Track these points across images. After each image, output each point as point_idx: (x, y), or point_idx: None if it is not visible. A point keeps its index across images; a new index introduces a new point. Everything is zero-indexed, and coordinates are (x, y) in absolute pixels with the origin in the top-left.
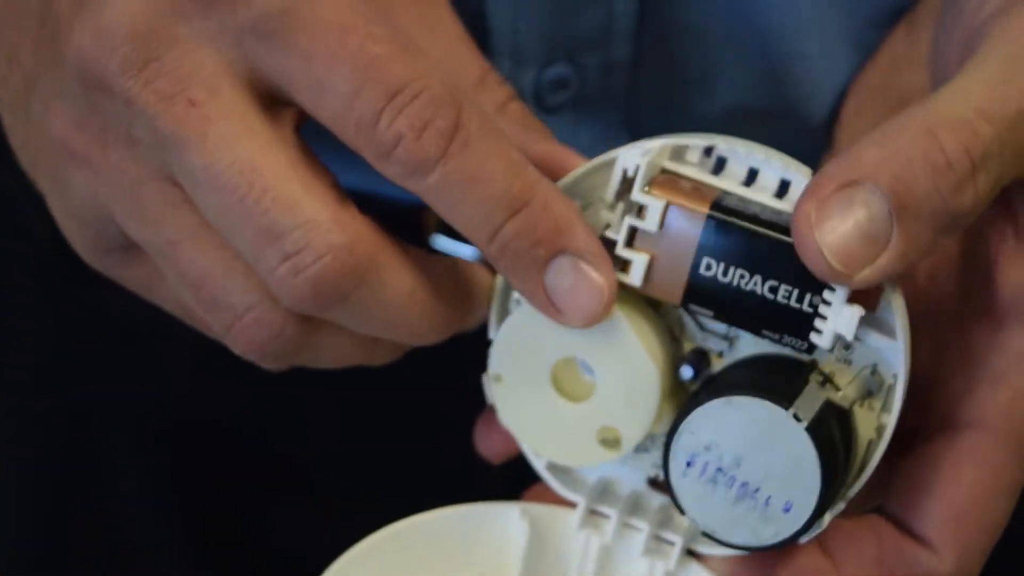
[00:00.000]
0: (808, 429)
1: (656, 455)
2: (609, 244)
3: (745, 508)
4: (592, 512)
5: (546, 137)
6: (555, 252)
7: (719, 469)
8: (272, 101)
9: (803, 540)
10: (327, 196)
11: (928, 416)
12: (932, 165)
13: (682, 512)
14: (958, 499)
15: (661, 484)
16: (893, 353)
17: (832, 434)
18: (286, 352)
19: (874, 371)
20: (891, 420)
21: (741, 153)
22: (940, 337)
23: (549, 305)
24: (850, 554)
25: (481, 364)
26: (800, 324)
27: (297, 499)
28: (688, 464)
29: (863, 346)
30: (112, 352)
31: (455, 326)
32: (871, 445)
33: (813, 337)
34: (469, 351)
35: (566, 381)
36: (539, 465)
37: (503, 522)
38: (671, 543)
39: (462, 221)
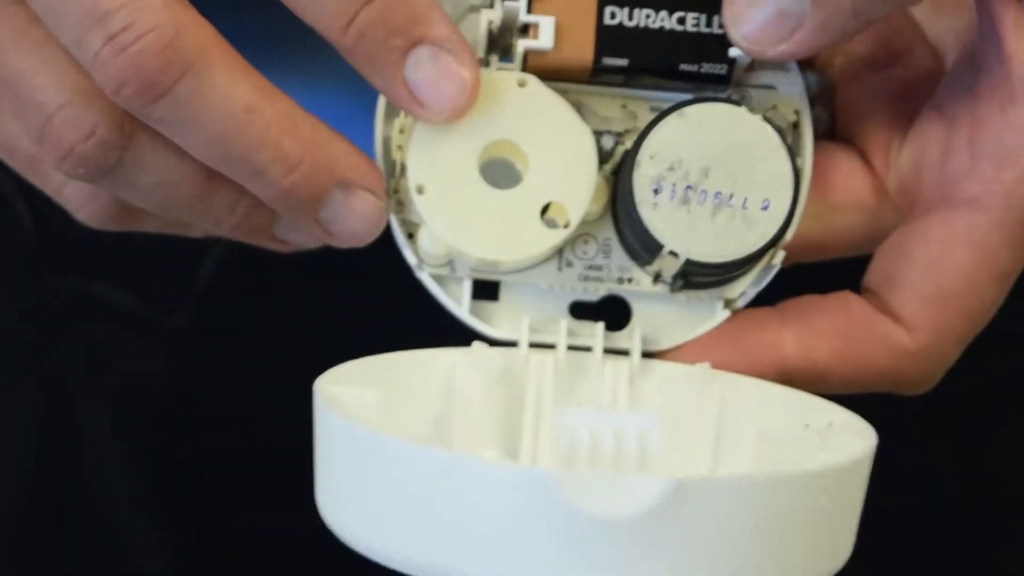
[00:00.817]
0: (765, 118)
1: (580, 268)
2: (512, 14)
3: (725, 218)
4: (533, 346)
5: None
6: (413, 42)
7: (688, 187)
8: None
9: (787, 234)
10: None
11: (925, 193)
12: None
13: (661, 247)
14: (943, 278)
15: (587, 308)
16: (790, 86)
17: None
18: (103, 163)
19: (776, 111)
20: (806, 160)
21: None
22: (952, 110)
23: (411, 100)
24: (812, 324)
25: None
26: (716, 46)
27: (279, 480)
28: (656, 192)
29: (759, 92)
30: (91, 335)
31: (314, 180)
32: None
33: (732, 52)
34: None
35: (494, 172)
36: (462, 312)
37: (452, 364)
38: (624, 351)
39: (313, 13)
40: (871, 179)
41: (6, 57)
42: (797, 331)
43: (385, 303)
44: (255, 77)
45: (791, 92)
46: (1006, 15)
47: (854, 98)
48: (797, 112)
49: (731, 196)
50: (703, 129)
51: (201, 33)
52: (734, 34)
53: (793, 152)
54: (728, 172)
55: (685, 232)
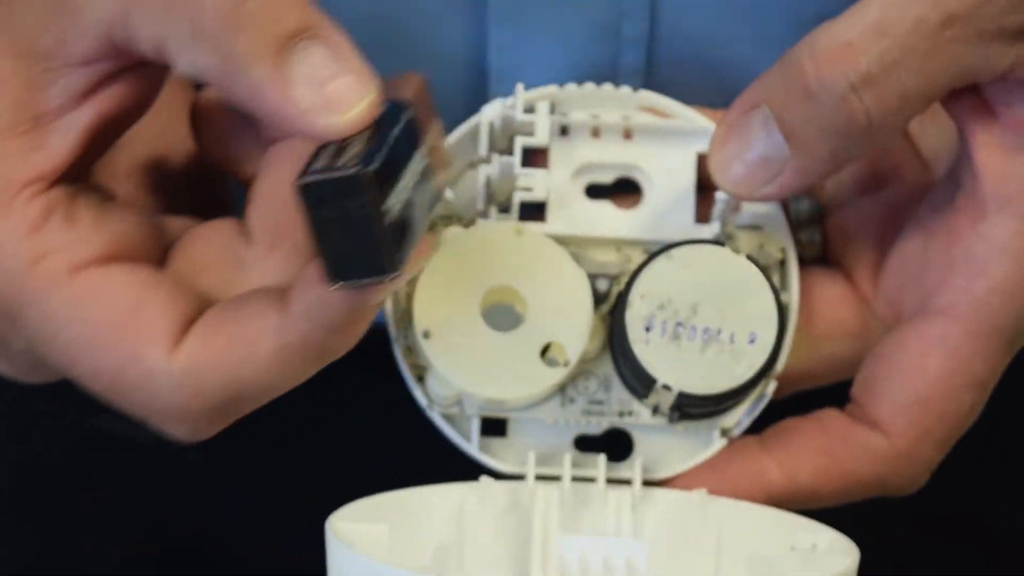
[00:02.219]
0: (750, 257)
1: (582, 403)
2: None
3: (714, 353)
4: (539, 478)
5: None
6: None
7: (678, 324)
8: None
9: (777, 367)
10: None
11: (906, 306)
12: (803, 90)
13: (655, 382)
14: (919, 385)
15: (589, 440)
16: (775, 226)
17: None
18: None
19: (762, 250)
20: (792, 296)
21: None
22: (931, 226)
23: (292, 101)
24: (793, 447)
25: None
26: None
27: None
28: (648, 329)
29: (746, 233)
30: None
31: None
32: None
33: (719, 195)
34: None
35: (496, 316)
36: (472, 448)
37: (461, 499)
38: (627, 481)
39: None
40: (858, 305)
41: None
42: (779, 456)
43: (395, 438)
44: None
45: (777, 231)
46: (976, 132)
47: (843, 222)
48: (783, 250)
49: (719, 331)
50: (690, 269)
51: None
52: (721, 180)
53: (776, 288)
54: (716, 309)
55: (677, 367)
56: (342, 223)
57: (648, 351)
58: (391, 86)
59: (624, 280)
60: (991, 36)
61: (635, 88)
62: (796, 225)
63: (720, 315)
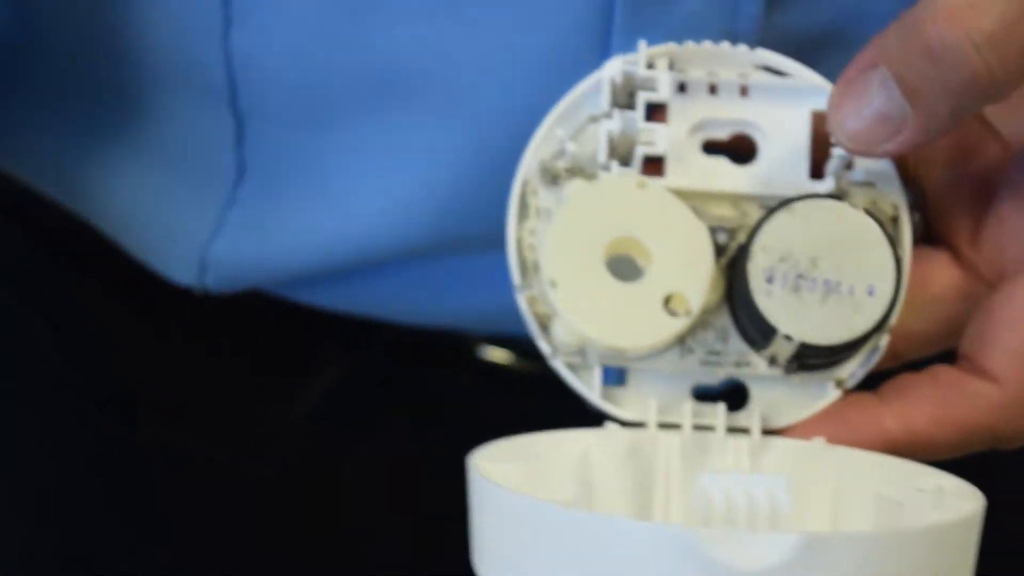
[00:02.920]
0: (867, 211)
1: (700, 354)
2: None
3: (834, 304)
4: (661, 426)
5: None
6: None
7: (799, 276)
8: None
9: (892, 320)
10: None
11: (1008, 263)
12: (925, 50)
13: (776, 332)
14: None
15: (707, 391)
16: (888, 183)
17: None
18: None
19: (875, 206)
20: (905, 252)
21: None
22: (1021, 187)
23: None
24: (909, 398)
25: None
26: None
27: None
28: (769, 281)
29: (859, 189)
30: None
31: None
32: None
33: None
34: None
35: (618, 267)
36: (594, 396)
37: (587, 443)
38: (745, 429)
39: None
40: (963, 270)
41: None
42: (895, 406)
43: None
44: None
45: (890, 188)
46: None
47: (939, 200)
48: (895, 207)
49: (839, 283)
50: (810, 223)
51: None
52: (840, 136)
53: (894, 241)
54: (835, 261)
55: (798, 317)
56: None
57: (770, 302)
58: None
59: (742, 235)
60: None
61: (751, 47)
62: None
63: (839, 268)
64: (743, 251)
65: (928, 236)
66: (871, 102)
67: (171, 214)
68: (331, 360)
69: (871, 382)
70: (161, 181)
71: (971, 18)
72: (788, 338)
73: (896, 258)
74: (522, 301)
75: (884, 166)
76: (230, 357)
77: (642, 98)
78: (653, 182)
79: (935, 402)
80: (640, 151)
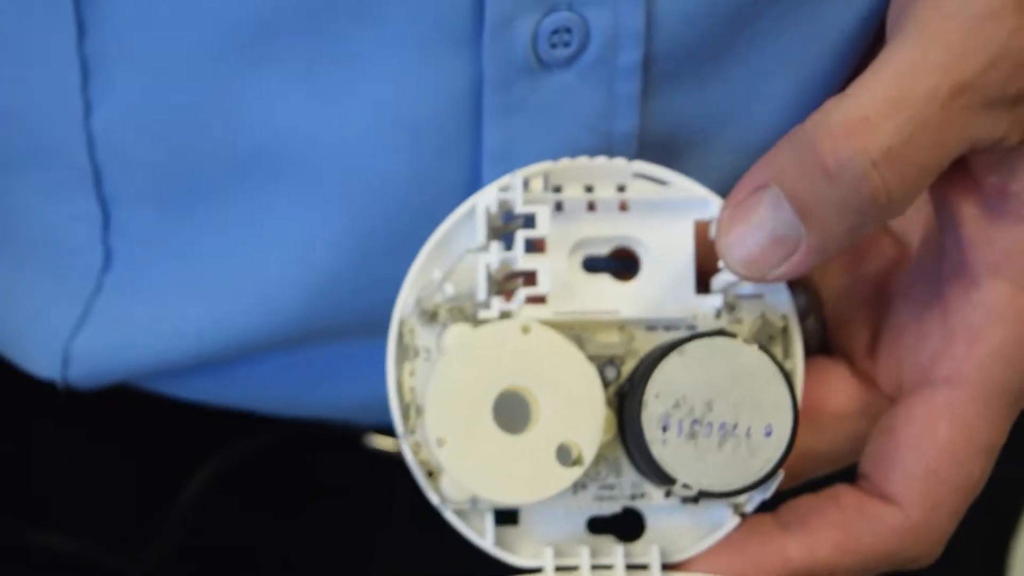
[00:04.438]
0: (761, 347)
1: (594, 489)
2: (514, 276)
3: (731, 448)
4: (558, 569)
5: None
6: None
7: (695, 421)
8: None
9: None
10: None
11: (906, 377)
12: (820, 169)
13: (674, 481)
14: (929, 455)
15: (603, 522)
16: (775, 294)
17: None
18: None
19: (764, 319)
20: (796, 363)
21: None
22: (920, 296)
23: None
24: (810, 524)
25: None
26: None
27: None
28: (664, 429)
29: (748, 302)
30: None
31: None
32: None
33: (726, 277)
34: None
35: (506, 414)
36: (487, 544)
37: None
38: (645, 566)
39: None
40: (861, 384)
41: None
42: (798, 535)
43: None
44: None
45: (778, 299)
46: (958, 202)
47: (836, 305)
48: (785, 318)
49: (735, 426)
50: (703, 364)
51: None
52: (731, 261)
53: (790, 378)
54: (731, 403)
55: (695, 465)
56: None
57: (666, 451)
58: None
59: (630, 361)
60: (995, 104)
61: (629, 158)
62: (797, 318)
63: (735, 409)
64: (633, 389)
65: (825, 343)
66: (763, 224)
67: (33, 304)
68: (212, 451)
69: (770, 500)
70: (22, 271)
71: (868, 134)
72: (687, 487)
73: (793, 396)
74: (406, 449)
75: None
76: (104, 453)
77: (520, 237)
78: (537, 325)
79: (838, 529)
80: (522, 294)
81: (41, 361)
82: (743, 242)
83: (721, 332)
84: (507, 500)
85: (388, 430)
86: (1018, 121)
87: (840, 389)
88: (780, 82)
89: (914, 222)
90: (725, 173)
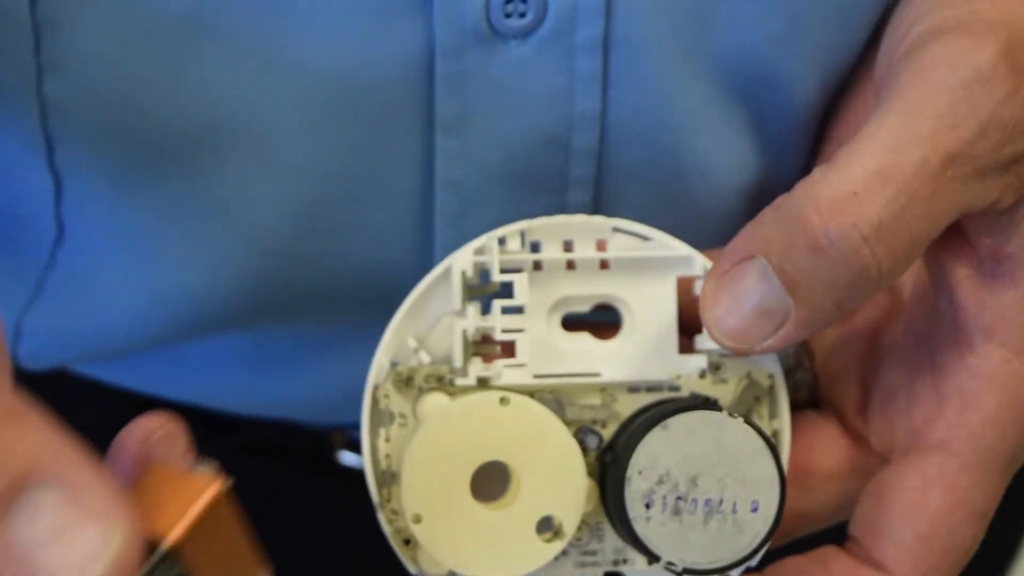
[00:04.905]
0: (747, 420)
1: (575, 555)
2: (488, 342)
3: (717, 525)
4: None
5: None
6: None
7: (679, 498)
8: None
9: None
10: None
11: (898, 439)
12: (810, 244)
13: (658, 559)
14: (920, 523)
15: None
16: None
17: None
18: None
19: (750, 378)
20: (783, 423)
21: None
22: (913, 359)
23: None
24: None
25: None
26: None
27: None
28: (648, 506)
29: (732, 361)
30: None
31: None
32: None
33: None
34: None
35: (484, 487)
36: None
37: None
38: None
39: None
40: (852, 443)
41: None
42: None
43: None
44: None
45: (764, 358)
46: (952, 265)
47: (826, 359)
48: (771, 377)
49: (720, 502)
50: (687, 439)
51: None
52: (717, 334)
53: (777, 452)
54: (716, 478)
55: (680, 543)
56: None
57: (649, 529)
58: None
59: (611, 424)
60: (986, 171)
61: (608, 215)
62: (785, 371)
63: (720, 484)
64: (616, 463)
65: (815, 395)
66: (749, 297)
67: None
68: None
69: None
70: None
71: (857, 209)
72: (672, 564)
73: (780, 471)
74: (382, 519)
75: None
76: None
77: (498, 306)
78: (515, 396)
79: None
80: (500, 365)
81: None
82: (730, 314)
83: (706, 403)
84: (486, 575)
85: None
86: (1009, 184)
87: (830, 448)
88: None
89: (907, 276)
90: None
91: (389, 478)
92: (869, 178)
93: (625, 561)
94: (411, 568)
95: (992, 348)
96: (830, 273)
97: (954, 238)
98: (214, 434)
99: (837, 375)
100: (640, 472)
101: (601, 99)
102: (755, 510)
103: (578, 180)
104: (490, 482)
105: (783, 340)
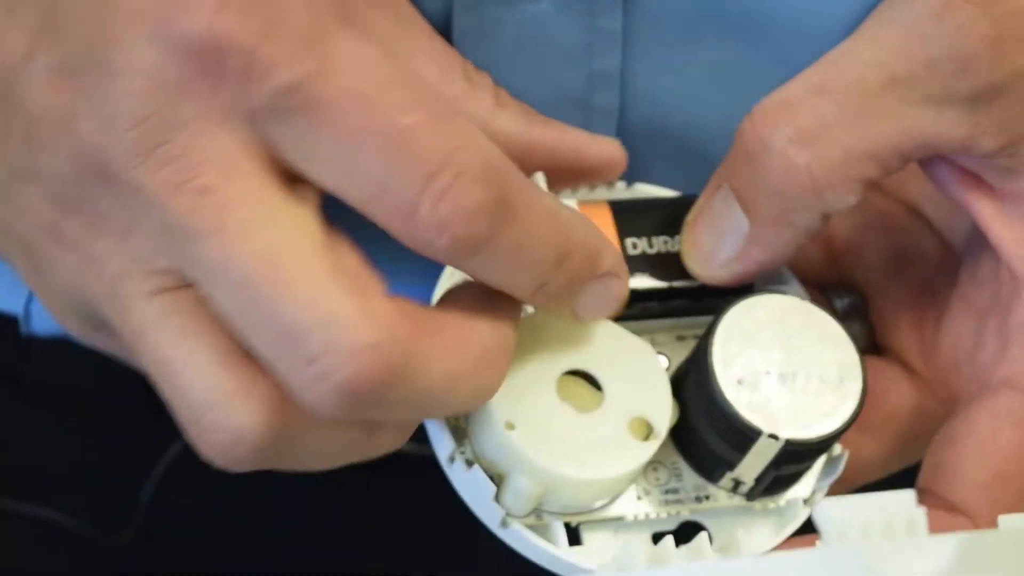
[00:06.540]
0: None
1: (657, 494)
2: None
3: (810, 397)
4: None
5: (547, 122)
6: (589, 280)
7: (767, 372)
8: (292, 180)
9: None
10: (353, 284)
11: (964, 383)
12: (745, 155)
13: (758, 435)
14: (994, 462)
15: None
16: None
17: None
18: (255, 461)
19: None
20: None
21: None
22: (976, 303)
23: (572, 318)
24: None
25: None
26: None
27: None
28: (739, 383)
29: None
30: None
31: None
32: None
33: None
34: None
35: (573, 400)
36: (562, 551)
37: None
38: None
39: (508, 284)
40: (915, 385)
41: (150, 344)
42: None
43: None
44: (456, 329)
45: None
46: (981, 211)
47: (882, 308)
48: None
49: (808, 377)
50: (771, 319)
51: (403, 335)
52: (691, 265)
53: (856, 337)
54: (799, 356)
55: (775, 415)
56: None
57: (744, 406)
58: None
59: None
60: (939, 101)
61: (627, 176)
62: (841, 320)
63: (805, 361)
64: (702, 363)
65: (874, 345)
66: (718, 223)
67: None
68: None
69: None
70: None
71: (784, 115)
72: (774, 437)
73: (859, 351)
74: (457, 470)
75: (785, 279)
76: (71, 429)
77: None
78: None
79: None
80: None
81: (7, 296)
82: (700, 244)
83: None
84: (585, 475)
85: None
86: (980, 124)
87: (894, 389)
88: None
89: (956, 225)
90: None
91: (463, 433)
92: (806, 90)
93: (708, 497)
94: (497, 514)
95: None
96: (765, 180)
97: (973, 182)
98: None
99: (895, 322)
100: (727, 351)
101: (621, 58)
102: (842, 381)
103: None
104: (574, 393)
105: (745, 263)
